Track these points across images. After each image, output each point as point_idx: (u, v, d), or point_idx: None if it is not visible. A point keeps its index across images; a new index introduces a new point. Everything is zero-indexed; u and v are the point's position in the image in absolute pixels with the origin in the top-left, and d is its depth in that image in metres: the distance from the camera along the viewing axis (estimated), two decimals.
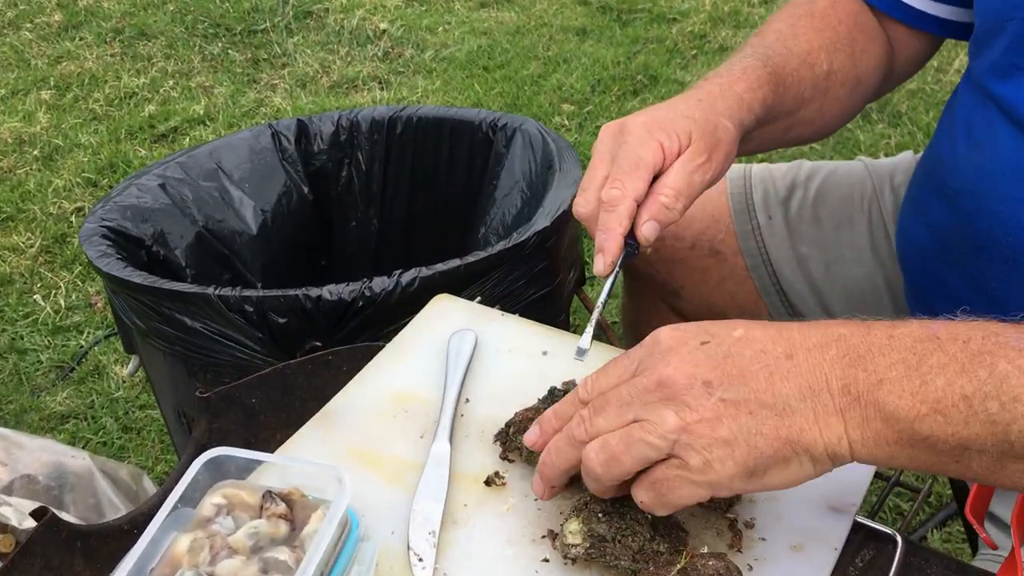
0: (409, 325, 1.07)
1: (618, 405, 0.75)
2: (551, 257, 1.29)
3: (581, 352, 0.92)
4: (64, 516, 1.47)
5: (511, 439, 0.90)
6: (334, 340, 1.20)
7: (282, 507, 0.82)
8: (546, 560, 0.81)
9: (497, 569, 0.81)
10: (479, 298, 1.12)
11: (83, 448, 2.10)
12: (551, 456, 0.81)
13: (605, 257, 0.92)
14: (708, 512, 0.83)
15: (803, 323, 0.76)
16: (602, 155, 0.97)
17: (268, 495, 0.83)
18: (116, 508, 1.52)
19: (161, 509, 0.81)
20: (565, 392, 0.91)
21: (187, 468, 0.98)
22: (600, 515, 0.78)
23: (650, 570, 0.75)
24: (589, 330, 0.93)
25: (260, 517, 0.82)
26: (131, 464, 1.83)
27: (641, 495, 0.74)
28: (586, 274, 1.53)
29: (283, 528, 0.81)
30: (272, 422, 1.04)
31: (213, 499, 0.84)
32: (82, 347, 2.39)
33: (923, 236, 1.11)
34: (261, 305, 1.17)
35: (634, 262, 0.98)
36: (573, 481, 0.86)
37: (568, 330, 1.47)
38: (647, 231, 0.94)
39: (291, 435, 1.02)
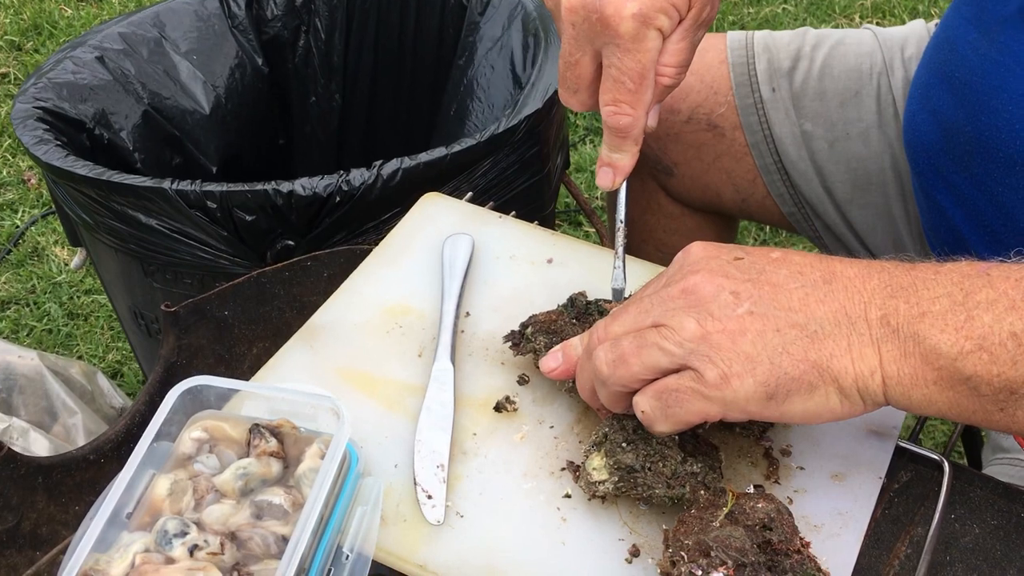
0: (396, 228, 0.96)
1: (637, 312, 0.69)
2: (542, 142, 1.18)
3: (618, 294, 0.83)
4: (15, 420, 1.37)
5: (527, 339, 0.81)
6: (307, 239, 1.09)
7: (273, 443, 0.73)
8: (568, 496, 0.74)
9: (515, 507, 0.74)
10: (470, 194, 1.02)
11: (27, 336, 1.99)
12: (579, 379, 0.75)
13: (616, 175, 0.83)
14: (740, 440, 0.77)
15: (844, 258, 0.70)
16: (580, 43, 0.78)
17: (256, 429, 0.74)
18: (71, 410, 1.43)
19: (136, 448, 0.72)
20: (587, 304, 0.82)
21: (158, 394, 0.89)
22: (624, 444, 0.71)
23: (694, 504, 0.68)
24: (619, 263, 0.83)
25: (248, 454, 0.74)
26: (81, 360, 1.73)
27: (644, 404, 0.67)
28: (571, 158, 1.43)
29: (275, 467, 0.73)
30: (247, 335, 0.95)
31: (192, 433, 0.75)
32: (18, 227, 2.24)
33: (929, 126, 1.02)
34: (226, 201, 1.06)
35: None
36: (591, 414, 0.79)
37: (553, 223, 1.38)
38: (651, 120, 0.84)
39: (268, 348, 0.93)
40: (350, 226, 1.09)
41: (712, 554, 0.61)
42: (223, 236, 1.09)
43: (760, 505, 0.65)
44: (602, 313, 0.81)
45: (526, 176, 1.17)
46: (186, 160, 1.47)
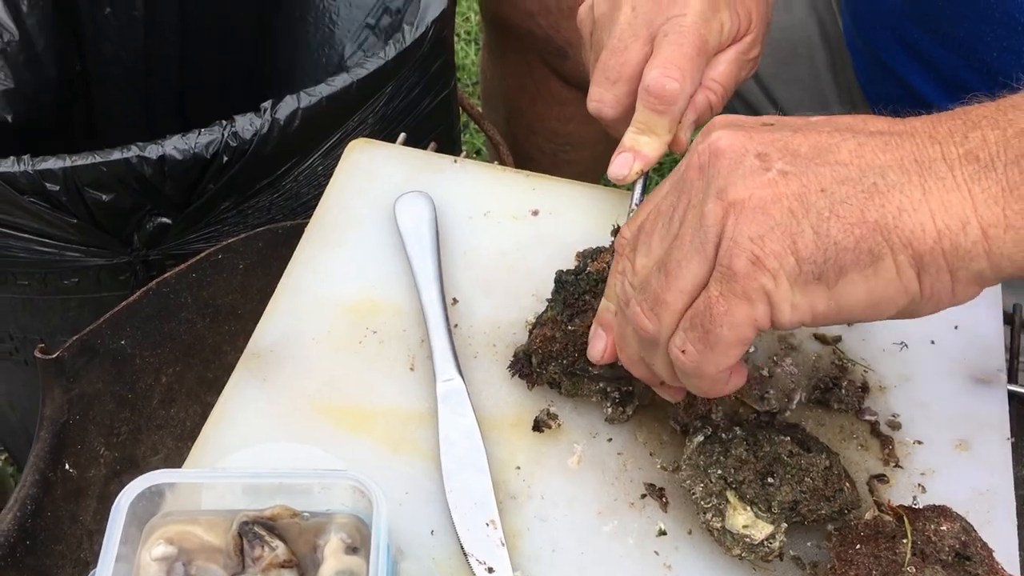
0: (328, 193, 0.74)
1: (664, 222, 0.53)
2: (447, 50, 0.97)
3: None
4: None
5: (538, 371, 0.64)
6: (187, 213, 0.85)
7: (281, 549, 0.53)
8: (663, 533, 0.58)
9: (602, 561, 0.57)
10: (403, 135, 0.81)
11: None
12: (624, 354, 0.58)
13: (636, 163, 0.69)
14: (839, 417, 0.63)
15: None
16: (635, 28, 0.71)
17: (248, 531, 0.54)
18: None
19: None
20: (578, 275, 0.64)
21: (50, 468, 0.66)
22: (764, 477, 0.55)
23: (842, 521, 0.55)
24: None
25: (241, 567, 0.54)
26: None
27: (678, 343, 0.51)
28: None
29: None
30: (151, 363, 0.72)
31: (155, 550, 0.54)
32: None
33: None
34: (72, 179, 0.79)
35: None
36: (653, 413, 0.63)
37: (460, 143, 1.17)
38: (685, 133, 0.72)
39: (180, 374, 0.72)
40: (240, 189, 0.85)
41: None
42: (72, 224, 0.83)
43: (944, 528, 0.52)
44: (596, 283, 0.64)
45: (432, 95, 0.96)
46: None
